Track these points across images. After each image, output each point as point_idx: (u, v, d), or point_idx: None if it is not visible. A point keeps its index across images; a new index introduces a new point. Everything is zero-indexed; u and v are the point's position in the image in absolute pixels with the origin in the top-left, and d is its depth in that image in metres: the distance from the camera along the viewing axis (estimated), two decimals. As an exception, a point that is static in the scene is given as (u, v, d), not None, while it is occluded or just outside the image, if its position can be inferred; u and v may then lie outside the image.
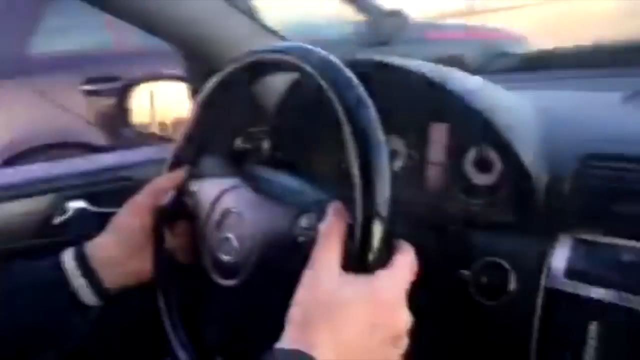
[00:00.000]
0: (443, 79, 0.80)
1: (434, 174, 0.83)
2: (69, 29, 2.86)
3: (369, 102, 0.59)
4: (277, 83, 0.98)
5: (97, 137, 2.68)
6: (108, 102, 2.66)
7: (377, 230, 0.55)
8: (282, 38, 1.04)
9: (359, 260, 0.55)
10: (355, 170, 0.56)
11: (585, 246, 0.66)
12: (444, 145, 0.82)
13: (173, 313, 0.77)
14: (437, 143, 0.83)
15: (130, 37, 2.96)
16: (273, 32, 1.03)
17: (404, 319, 0.56)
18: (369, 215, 0.55)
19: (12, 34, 2.68)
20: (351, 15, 3.53)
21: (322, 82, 0.61)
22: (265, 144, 0.97)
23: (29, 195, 0.99)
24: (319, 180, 0.92)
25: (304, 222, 0.64)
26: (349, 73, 0.62)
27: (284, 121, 0.95)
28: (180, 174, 0.80)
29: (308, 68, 0.63)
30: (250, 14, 1.03)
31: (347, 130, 0.58)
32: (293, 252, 0.63)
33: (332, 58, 0.64)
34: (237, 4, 1.02)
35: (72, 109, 2.67)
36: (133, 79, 1.28)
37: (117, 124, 1.29)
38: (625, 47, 1.01)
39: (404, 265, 0.57)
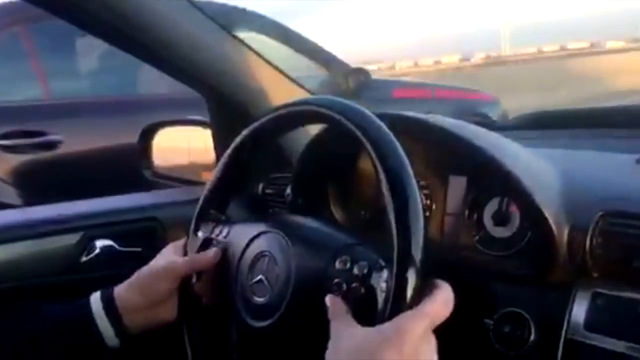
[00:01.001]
0: (464, 132, 0.84)
1: (452, 226, 0.86)
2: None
3: (403, 154, 0.64)
4: (301, 132, 1.02)
5: (12, 196, 2.45)
6: (28, 158, 2.50)
7: (412, 277, 0.58)
8: (309, 92, 1.08)
9: (392, 305, 0.58)
10: (392, 218, 0.60)
11: (604, 299, 0.68)
12: (463, 198, 0.85)
13: (200, 354, 0.79)
14: (456, 195, 0.86)
15: (63, 88, 2.81)
16: (300, 85, 1.08)
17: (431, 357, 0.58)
18: (406, 262, 0.58)
19: None
20: (314, 70, 3.38)
21: (361, 136, 0.65)
22: (288, 190, 1.01)
23: (57, 233, 1.02)
24: (338, 226, 0.96)
25: (338, 264, 0.66)
26: (383, 126, 0.66)
27: (306, 169, 0.98)
28: (218, 252, 0.79)
29: (345, 121, 0.68)
30: (277, 66, 1.08)
31: (383, 181, 0.62)
32: (329, 293, 0.65)
33: (369, 113, 0.68)
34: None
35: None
36: (155, 122, 1.32)
37: (138, 165, 1.31)
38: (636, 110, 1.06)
39: (433, 302, 0.59)
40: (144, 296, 0.78)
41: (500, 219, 0.80)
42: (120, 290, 0.79)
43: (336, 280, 0.65)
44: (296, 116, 0.79)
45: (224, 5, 3.16)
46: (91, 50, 2.82)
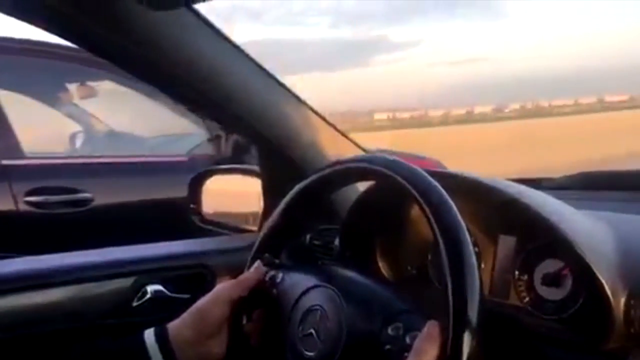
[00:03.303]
0: (512, 192, 0.84)
1: (501, 286, 0.86)
2: None
3: (457, 213, 0.65)
4: (350, 186, 1.04)
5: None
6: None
7: (468, 339, 0.59)
8: (360, 147, 1.10)
9: None
10: (448, 280, 0.61)
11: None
12: (513, 257, 0.85)
13: None
14: (505, 255, 0.86)
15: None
16: (352, 140, 1.10)
17: None
18: (461, 324, 0.59)
19: None
20: (193, 128, 2.93)
21: (414, 193, 0.67)
22: (336, 242, 1.02)
23: (111, 277, 1.04)
24: (385, 281, 0.96)
25: (391, 330, 0.67)
26: (438, 186, 0.67)
27: (355, 223, 0.99)
28: (263, 268, 0.83)
29: (400, 180, 0.69)
30: (328, 120, 1.11)
31: (440, 241, 0.63)
32: (379, 358, 0.66)
33: (422, 171, 0.70)
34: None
35: None
36: (206, 170, 1.35)
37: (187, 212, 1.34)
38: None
39: None
40: (196, 329, 0.79)
41: (552, 280, 0.79)
42: (173, 326, 0.80)
43: (387, 347, 0.66)
44: (351, 173, 0.81)
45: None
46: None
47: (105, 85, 2.86)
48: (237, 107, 1.04)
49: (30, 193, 2.27)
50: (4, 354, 0.93)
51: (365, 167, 0.77)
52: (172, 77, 0.98)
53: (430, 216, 0.65)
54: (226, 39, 0.98)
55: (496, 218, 0.87)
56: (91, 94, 2.87)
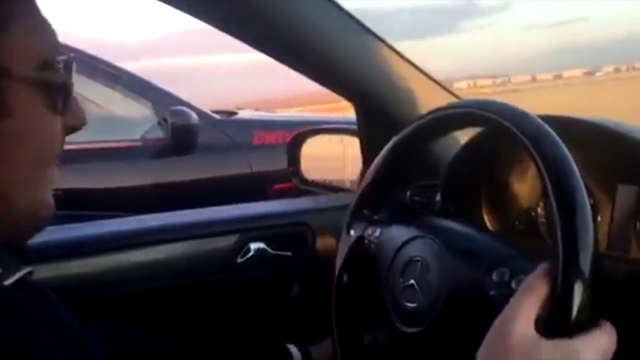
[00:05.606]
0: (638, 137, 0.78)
1: (620, 239, 0.81)
2: None
3: (571, 159, 0.60)
4: (449, 139, 1.01)
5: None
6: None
7: (579, 291, 0.54)
8: (459, 97, 1.07)
9: (557, 320, 0.54)
10: (558, 228, 0.56)
11: None
12: (633, 208, 0.79)
13: (348, 353, 0.79)
14: (625, 205, 0.80)
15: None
16: (450, 92, 1.07)
17: None
18: (572, 275, 0.54)
19: None
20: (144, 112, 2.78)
21: (523, 139, 0.62)
22: (437, 197, 0.99)
23: (218, 234, 1.07)
24: (493, 235, 0.92)
25: (495, 276, 0.64)
26: (550, 130, 0.63)
27: (458, 175, 0.96)
28: None
29: (507, 124, 0.65)
30: (425, 72, 1.07)
31: (550, 187, 0.58)
32: (483, 305, 0.63)
33: (534, 116, 0.65)
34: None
35: None
36: (305, 130, 1.35)
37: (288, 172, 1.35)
38: None
39: (604, 338, 0.55)
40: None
41: None
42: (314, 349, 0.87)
43: (491, 293, 0.63)
44: (453, 119, 0.77)
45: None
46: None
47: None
48: (329, 61, 1.02)
49: None
50: (114, 309, 0.98)
51: (470, 112, 0.73)
52: (262, 32, 0.98)
53: (540, 164, 0.60)
54: None
55: (615, 166, 0.81)
56: None
